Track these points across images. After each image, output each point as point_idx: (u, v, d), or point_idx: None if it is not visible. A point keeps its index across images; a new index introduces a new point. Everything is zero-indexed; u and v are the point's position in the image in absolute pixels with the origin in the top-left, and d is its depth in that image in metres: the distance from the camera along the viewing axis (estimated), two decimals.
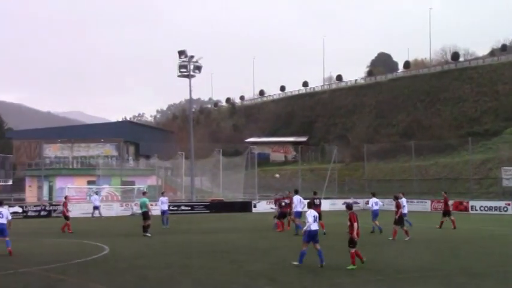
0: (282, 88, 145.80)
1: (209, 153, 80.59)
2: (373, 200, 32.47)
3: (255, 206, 57.55)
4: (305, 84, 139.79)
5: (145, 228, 30.70)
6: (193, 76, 65.30)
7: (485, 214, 50.34)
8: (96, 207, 49.14)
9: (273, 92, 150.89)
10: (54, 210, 52.62)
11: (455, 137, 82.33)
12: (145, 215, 30.94)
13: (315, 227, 19.12)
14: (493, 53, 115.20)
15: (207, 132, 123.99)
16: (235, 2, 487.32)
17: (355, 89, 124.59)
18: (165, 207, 37.76)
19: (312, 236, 19.04)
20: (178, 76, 65.75)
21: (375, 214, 31.85)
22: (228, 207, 57.03)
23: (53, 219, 49.21)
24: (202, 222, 42.57)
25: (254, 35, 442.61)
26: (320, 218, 31.07)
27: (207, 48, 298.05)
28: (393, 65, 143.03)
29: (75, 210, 51.17)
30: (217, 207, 57.06)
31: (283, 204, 33.31)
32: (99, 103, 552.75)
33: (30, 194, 73.36)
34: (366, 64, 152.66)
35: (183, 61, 64.68)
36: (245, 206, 58.06)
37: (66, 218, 34.35)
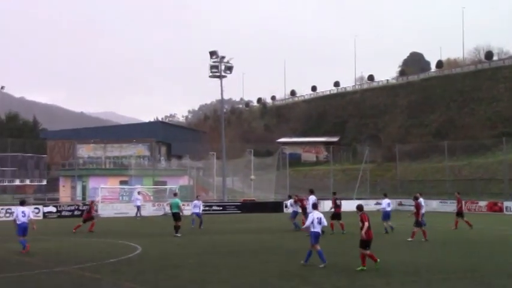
0: (314, 88, 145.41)
1: (241, 153, 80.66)
2: (385, 201, 32.59)
3: (286, 206, 57.26)
4: (336, 84, 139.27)
5: (176, 229, 30.89)
6: (224, 76, 65.41)
7: None
8: (138, 207, 49.73)
9: (304, 92, 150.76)
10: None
11: (489, 137, 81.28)
12: (176, 216, 31.12)
13: (317, 228, 19.36)
14: None
15: (239, 133, 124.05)
16: (266, 2, 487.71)
17: (387, 89, 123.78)
18: (197, 210, 37.74)
19: (315, 237, 19.35)
20: (210, 76, 65.89)
21: (387, 215, 31.99)
22: (259, 208, 57.00)
23: None
24: (234, 222, 42.68)
25: (285, 35, 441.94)
26: (340, 218, 31.68)
27: (238, 48, 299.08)
28: (426, 65, 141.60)
29: (108, 210, 51.81)
30: (249, 207, 57.11)
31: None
32: (131, 103, 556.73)
33: (64, 194, 74.04)
34: (398, 64, 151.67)
35: (215, 61, 64.84)
36: (276, 207, 57.94)
37: (91, 218, 35.06)
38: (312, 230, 19.29)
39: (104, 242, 28.76)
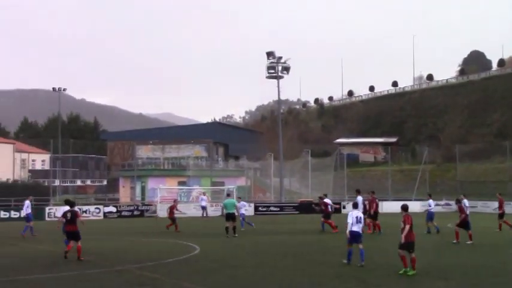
0: (371, 88, 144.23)
1: (298, 154, 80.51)
2: (430, 201, 32.77)
3: (344, 207, 57.05)
4: (394, 84, 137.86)
5: (233, 230, 30.90)
6: (281, 77, 65.45)
7: None
8: (203, 208, 50.16)
9: (361, 92, 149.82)
10: (147, 210, 54.02)
11: None
12: (233, 216, 31.14)
13: (356, 228, 19.21)
14: None
15: (296, 133, 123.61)
16: (322, 3, 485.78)
17: (447, 89, 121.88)
18: (242, 211, 37.82)
19: (354, 237, 19.24)
20: (267, 77, 66.09)
21: (431, 215, 31.92)
22: None
23: (146, 219, 50.54)
24: (291, 223, 42.67)
25: (342, 35, 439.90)
26: (376, 218, 31.42)
27: (295, 49, 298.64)
28: (487, 63, 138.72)
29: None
30: (306, 208, 56.90)
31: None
32: (188, 105, 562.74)
33: (124, 194, 75.19)
34: (458, 63, 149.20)
35: (272, 62, 64.96)
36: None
37: (173, 220, 35.80)
38: (351, 229, 19.17)
39: (163, 242, 29.13)
